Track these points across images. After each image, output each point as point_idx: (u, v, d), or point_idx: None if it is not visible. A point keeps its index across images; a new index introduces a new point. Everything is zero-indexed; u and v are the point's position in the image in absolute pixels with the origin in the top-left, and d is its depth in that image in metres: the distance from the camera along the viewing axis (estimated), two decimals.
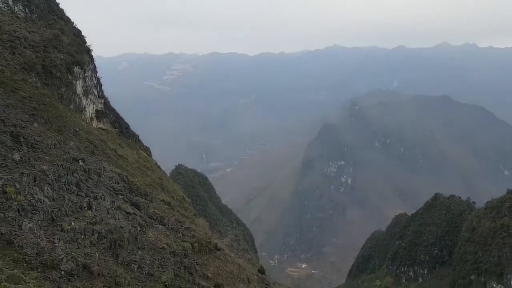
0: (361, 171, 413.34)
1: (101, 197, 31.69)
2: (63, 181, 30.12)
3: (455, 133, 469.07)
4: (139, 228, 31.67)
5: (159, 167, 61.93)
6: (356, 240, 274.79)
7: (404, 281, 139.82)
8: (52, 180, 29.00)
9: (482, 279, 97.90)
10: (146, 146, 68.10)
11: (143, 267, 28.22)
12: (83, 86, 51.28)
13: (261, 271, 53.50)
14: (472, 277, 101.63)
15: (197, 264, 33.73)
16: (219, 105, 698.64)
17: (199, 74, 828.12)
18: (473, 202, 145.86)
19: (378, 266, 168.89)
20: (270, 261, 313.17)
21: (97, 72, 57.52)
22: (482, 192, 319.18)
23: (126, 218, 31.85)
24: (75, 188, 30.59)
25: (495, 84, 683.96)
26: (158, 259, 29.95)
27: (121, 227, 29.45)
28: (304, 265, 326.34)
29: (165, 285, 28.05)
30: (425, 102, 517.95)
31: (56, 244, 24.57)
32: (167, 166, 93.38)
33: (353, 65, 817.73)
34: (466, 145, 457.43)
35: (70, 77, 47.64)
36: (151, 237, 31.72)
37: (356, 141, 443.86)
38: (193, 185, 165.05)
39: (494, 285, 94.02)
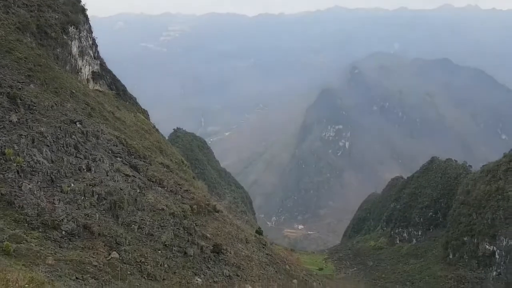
0: (359, 135, 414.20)
1: (99, 159, 31.80)
2: (61, 143, 30.11)
3: (454, 96, 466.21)
4: (138, 190, 31.98)
5: (157, 130, 61.86)
6: (352, 202, 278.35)
7: (398, 242, 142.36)
8: (50, 141, 28.98)
9: (475, 240, 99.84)
10: (143, 109, 67.72)
11: (143, 227, 28.70)
12: (78, 47, 50.36)
13: (259, 232, 54.56)
14: (465, 239, 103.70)
15: (196, 225, 34.31)
16: (217, 68, 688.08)
17: (197, 36, 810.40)
18: (469, 166, 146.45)
19: (373, 228, 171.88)
20: (268, 223, 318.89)
21: (92, 33, 56.29)
22: (479, 156, 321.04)
23: (125, 180, 32.11)
24: (73, 150, 30.62)
25: (497, 46, 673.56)
26: (158, 220, 30.42)
27: (120, 189, 29.72)
28: (300, 226, 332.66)
29: (165, 245, 28.64)
30: (426, 65, 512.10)
31: (56, 205, 24.84)
32: (165, 130, 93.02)
33: (354, 27, 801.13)
34: (465, 109, 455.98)
35: (65, 37, 46.71)
36: (150, 199, 32.09)
37: (355, 105, 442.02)
38: (191, 148, 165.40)
39: (487, 246, 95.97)
